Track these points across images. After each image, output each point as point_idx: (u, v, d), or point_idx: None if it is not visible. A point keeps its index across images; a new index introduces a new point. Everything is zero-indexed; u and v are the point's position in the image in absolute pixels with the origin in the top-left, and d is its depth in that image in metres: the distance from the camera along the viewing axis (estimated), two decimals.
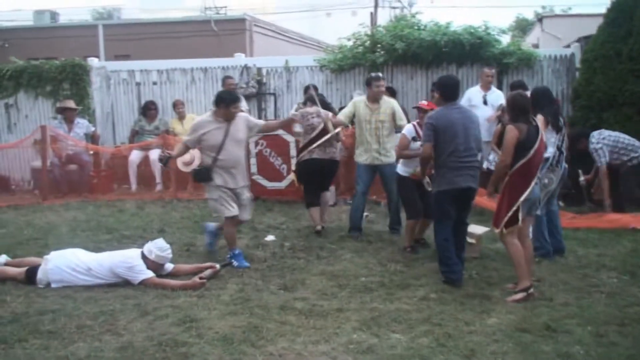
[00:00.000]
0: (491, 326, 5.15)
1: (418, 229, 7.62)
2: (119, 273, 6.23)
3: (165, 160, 7.35)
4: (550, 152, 6.92)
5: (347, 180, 10.66)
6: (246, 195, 7.22)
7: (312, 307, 5.60)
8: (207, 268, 6.52)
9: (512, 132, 5.85)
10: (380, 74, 8.49)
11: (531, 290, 5.83)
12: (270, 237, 8.10)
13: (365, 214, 9.01)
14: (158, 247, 6.40)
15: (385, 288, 6.12)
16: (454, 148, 6.25)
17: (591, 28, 11.33)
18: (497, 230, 6.07)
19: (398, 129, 8.06)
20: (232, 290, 6.09)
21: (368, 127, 8.11)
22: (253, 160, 10.30)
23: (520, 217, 5.92)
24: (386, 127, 8.12)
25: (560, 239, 7.31)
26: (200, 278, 6.27)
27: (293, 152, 10.04)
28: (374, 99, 8.17)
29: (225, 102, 6.95)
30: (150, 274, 6.26)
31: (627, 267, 6.68)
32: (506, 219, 5.92)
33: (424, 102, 7.72)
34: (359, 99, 8.43)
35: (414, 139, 7.36)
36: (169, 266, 6.54)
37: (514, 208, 5.90)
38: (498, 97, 10.45)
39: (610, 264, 6.79)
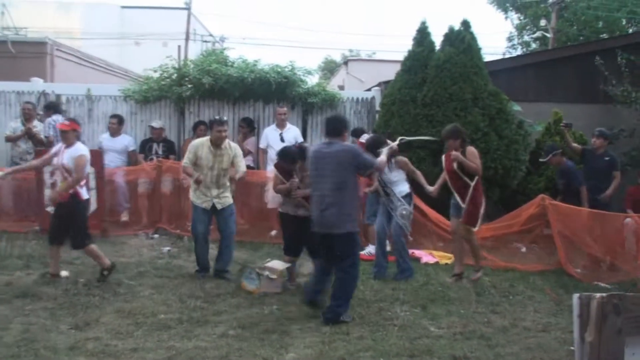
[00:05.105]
0: None
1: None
2: None
3: None
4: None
5: (150, 214, 10.40)
6: None
7: (105, 347, 5.34)
8: None
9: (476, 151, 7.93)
10: (224, 119, 8.10)
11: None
12: (63, 273, 7.60)
13: (167, 248, 8.84)
14: None
15: (183, 325, 5.99)
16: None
17: (391, 73, 12.01)
18: (475, 229, 7.97)
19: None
20: (17, 331, 5.65)
21: (209, 174, 7.75)
22: (47, 191, 9.67)
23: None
24: (226, 174, 7.87)
25: None
26: None
27: (92, 183, 9.59)
28: (216, 143, 7.81)
29: None
30: None
31: (419, 301, 7.02)
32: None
33: (66, 123, 7.52)
34: (200, 141, 7.97)
35: None
36: None
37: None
38: (294, 134, 10.77)
39: (403, 298, 7.11)
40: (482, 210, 7.93)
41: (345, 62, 28.47)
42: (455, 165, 7.76)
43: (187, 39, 28.12)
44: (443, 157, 8.19)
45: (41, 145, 10.50)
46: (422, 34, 11.21)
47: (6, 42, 16.81)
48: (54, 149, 7.55)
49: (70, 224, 7.32)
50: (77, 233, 7.35)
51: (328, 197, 6.25)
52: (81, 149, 7.37)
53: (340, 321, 6.18)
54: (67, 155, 7.24)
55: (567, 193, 9.38)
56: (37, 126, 10.87)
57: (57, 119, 10.28)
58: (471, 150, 7.85)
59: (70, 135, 7.29)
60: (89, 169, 8.96)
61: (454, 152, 7.76)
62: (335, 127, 6.53)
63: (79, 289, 7.06)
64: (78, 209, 7.37)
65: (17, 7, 27.84)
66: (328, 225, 6.28)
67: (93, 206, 9.63)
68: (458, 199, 7.90)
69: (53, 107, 10.82)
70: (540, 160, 10.04)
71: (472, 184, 7.78)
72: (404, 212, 8.00)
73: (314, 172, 6.47)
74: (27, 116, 10.83)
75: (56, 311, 6.27)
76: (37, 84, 12.39)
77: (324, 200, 6.28)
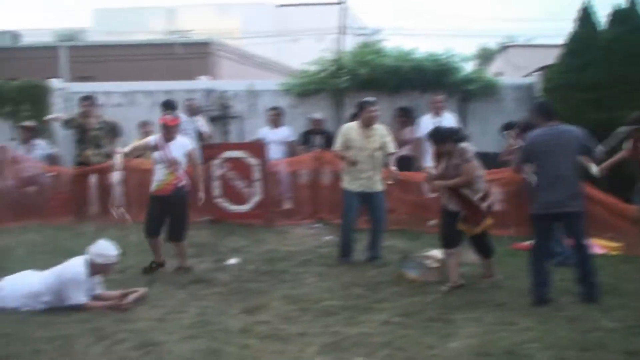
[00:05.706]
0: (453, 350, 5.14)
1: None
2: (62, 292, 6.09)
3: None
4: None
5: (311, 205, 10.68)
6: None
7: (274, 331, 5.54)
8: (132, 292, 6.36)
9: None
10: (374, 99, 8.01)
11: None
12: (232, 260, 8.01)
13: (329, 237, 9.01)
14: (99, 251, 6.26)
15: (347, 312, 6.08)
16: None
17: (551, 58, 11.55)
18: None
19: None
20: (193, 314, 6.00)
21: (361, 155, 7.86)
22: (216, 183, 10.21)
23: None
24: (378, 155, 7.94)
25: None
26: (125, 302, 6.16)
27: (257, 175, 10.00)
28: (366, 124, 7.94)
29: None
30: (82, 300, 6.10)
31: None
32: None
33: (170, 118, 7.80)
34: (348, 125, 8.19)
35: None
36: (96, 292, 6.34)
37: None
38: (451, 122, 10.53)
39: (572, 289, 6.81)
40: None
41: (503, 48, 27.69)
42: None
43: (341, 32, 28.39)
44: (629, 142, 7.83)
45: (201, 140, 11.08)
46: (586, 14, 10.67)
47: (173, 45, 17.85)
48: (151, 140, 7.79)
49: (178, 214, 7.59)
50: (181, 225, 7.64)
51: (559, 176, 6.30)
52: (188, 142, 7.85)
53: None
54: (174, 148, 7.50)
55: None
56: (199, 120, 11.49)
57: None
58: None
59: (174, 129, 7.60)
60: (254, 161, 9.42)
61: None
62: (553, 110, 6.63)
63: (247, 276, 7.40)
64: (186, 199, 7.68)
65: (182, 12, 29.43)
66: (560, 204, 6.32)
67: (257, 197, 10.08)
68: None
69: (170, 105, 11.16)
70: None
71: None
72: None
73: (542, 154, 6.44)
74: (190, 112, 11.48)
75: (227, 296, 6.60)
76: (203, 82, 13.06)
77: (553, 180, 6.32)
